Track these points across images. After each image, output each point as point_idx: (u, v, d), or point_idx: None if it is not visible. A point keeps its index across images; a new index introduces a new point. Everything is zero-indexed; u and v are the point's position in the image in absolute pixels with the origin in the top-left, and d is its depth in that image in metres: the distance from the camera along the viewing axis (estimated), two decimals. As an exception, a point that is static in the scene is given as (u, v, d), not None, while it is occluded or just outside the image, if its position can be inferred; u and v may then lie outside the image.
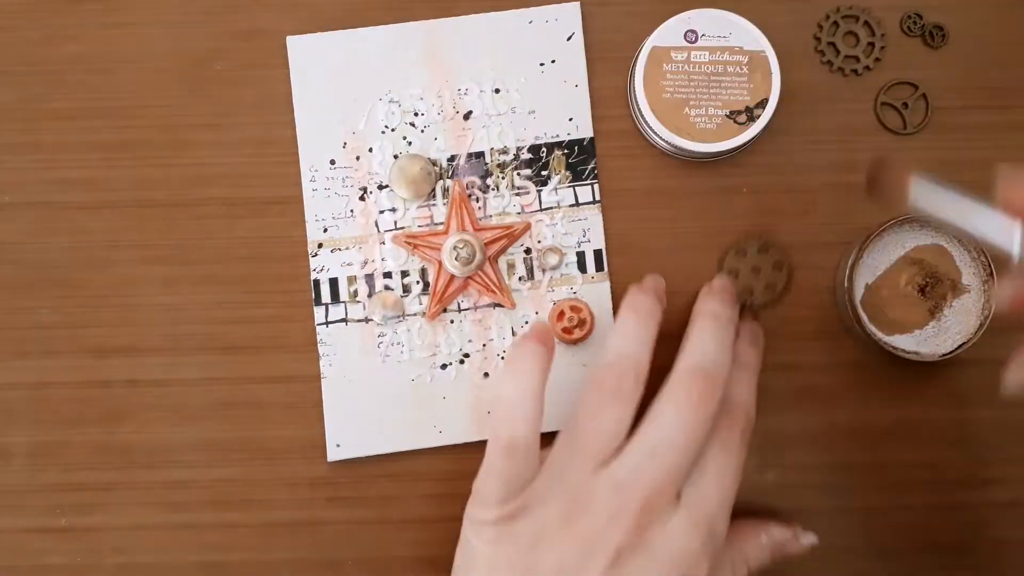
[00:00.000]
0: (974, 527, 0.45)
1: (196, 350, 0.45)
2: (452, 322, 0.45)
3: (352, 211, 0.45)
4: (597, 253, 0.45)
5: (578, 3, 0.46)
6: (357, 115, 0.46)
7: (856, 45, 0.46)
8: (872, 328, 0.43)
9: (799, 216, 0.46)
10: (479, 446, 0.45)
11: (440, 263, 0.44)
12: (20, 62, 0.46)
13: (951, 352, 0.43)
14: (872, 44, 0.46)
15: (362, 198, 0.45)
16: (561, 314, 0.44)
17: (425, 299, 0.45)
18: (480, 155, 0.45)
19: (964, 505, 0.45)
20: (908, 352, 0.43)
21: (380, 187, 0.45)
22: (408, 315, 0.45)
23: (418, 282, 0.45)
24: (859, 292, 0.43)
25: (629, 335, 0.37)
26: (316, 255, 0.45)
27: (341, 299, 0.45)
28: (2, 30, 0.46)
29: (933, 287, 0.43)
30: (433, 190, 0.45)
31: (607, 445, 0.36)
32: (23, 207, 0.46)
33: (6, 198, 0.46)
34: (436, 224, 0.45)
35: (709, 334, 0.38)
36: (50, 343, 0.45)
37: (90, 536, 0.45)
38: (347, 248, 0.45)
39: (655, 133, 0.43)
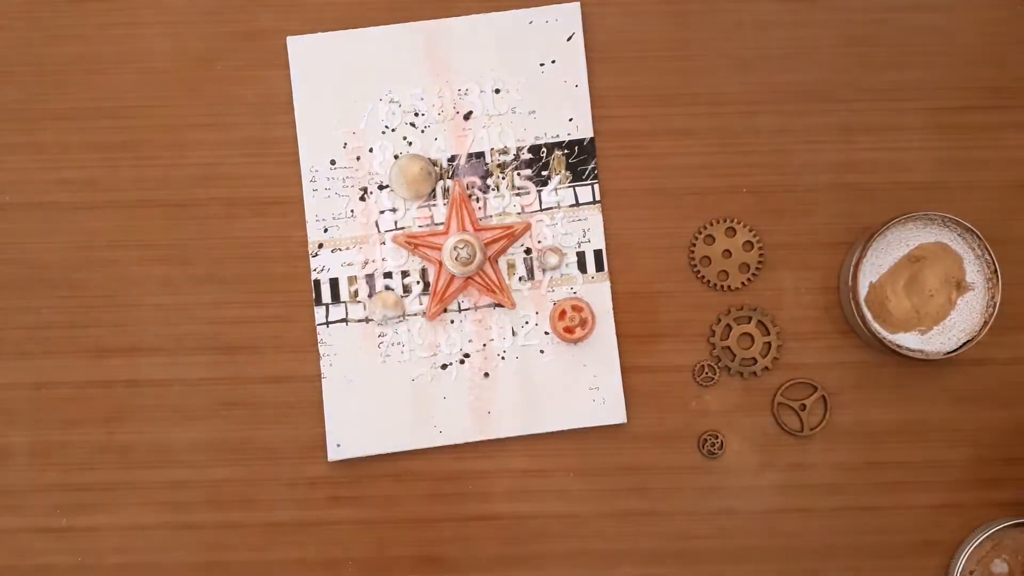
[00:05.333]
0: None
1: (196, 350, 0.45)
2: (452, 322, 0.45)
3: (352, 211, 0.45)
4: (597, 253, 0.45)
5: (578, 3, 0.46)
6: (357, 115, 0.46)
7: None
8: (876, 326, 0.43)
9: (799, 216, 0.46)
10: (479, 446, 0.45)
11: (440, 263, 0.44)
12: (20, 62, 0.46)
13: (956, 350, 0.43)
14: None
15: (362, 198, 0.45)
16: (563, 313, 0.44)
17: (425, 299, 0.45)
18: (480, 155, 0.45)
19: (964, 505, 0.45)
20: (912, 351, 0.43)
21: (380, 187, 0.45)
22: (408, 315, 0.45)
23: (418, 282, 0.45)
24: (863, 291, 0.43)
25: None
26: (316, 255, 0.45)
27: (341, 299, 0.45)
28: (2, 30, 0.46)
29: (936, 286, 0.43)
30: (433, 190, 0.45)
31: None
32: (23, 207, 0.46)
33: (6, 198, 0.46)
34: (436, 224, 0.45)
35: None
36: (50, 343, 0.45)
37: (90, 536, 0.45)
38: (347, 248, 0.45)
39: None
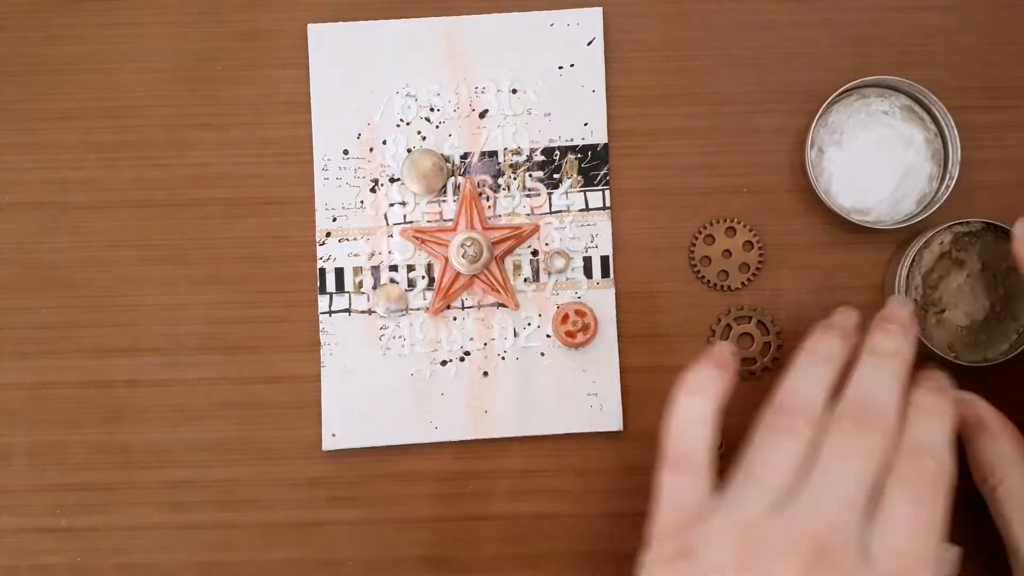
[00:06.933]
0: (974, 527, 0.45)
1: (196, 350, 0.45)
2: (455, 319, 0.45)
3: (362, 202, 0.45)
4: (604, 259, 0.45)
5: (600, 9, 0.46)
6: (374, 107, 0.46)
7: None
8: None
9: (799, 216, 0.46)
10: (479, 446, 0.45)
11: (447, 259, 0.44)
12: (20, 62, 0.46)
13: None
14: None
15: (373, 190, 0.45)
16: (565, 317, 0.44)
17: (429, 294, 0.45)
18: (493, 154, 0.45)
19: (963, 505, 0.45)
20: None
21: (391, 180, 0.45)
22: (411, 309, 0.45)
23: (423, 277, 0.45)
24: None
25: (800, 377, 0.37)
26: (324, 243, 0.45)
27: (345, 289, 0.45)
28: (2, 30, 0.46)
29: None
30: (444, 186, 0.45)
31: (782, 481, 0.34)
32: (23, 207, 0.46)
33: (6, 198, 0.46)
34: (445, 220, 0.45)
35: (863, 370, 0.37)
36: (50, 343, 0.45)
37: (90, 536, 0.45)
38: (355, 239, 0.45)
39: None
